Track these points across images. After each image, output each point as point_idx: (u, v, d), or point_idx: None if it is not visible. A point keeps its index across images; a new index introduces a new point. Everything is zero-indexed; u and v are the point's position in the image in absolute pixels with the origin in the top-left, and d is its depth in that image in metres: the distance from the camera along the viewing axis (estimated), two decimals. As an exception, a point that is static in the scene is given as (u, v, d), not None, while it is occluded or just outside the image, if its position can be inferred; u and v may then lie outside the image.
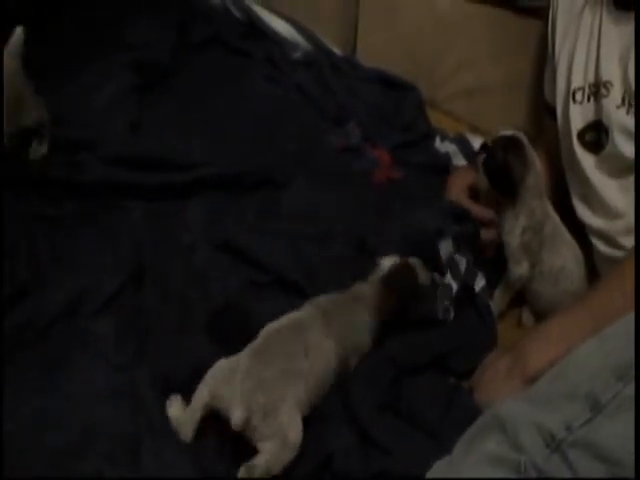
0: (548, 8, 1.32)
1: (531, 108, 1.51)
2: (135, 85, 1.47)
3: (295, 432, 0.91)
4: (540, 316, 1.24)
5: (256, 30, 1.64)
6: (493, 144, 1.21)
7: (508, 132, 1.22)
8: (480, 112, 1.55)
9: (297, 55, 1.61)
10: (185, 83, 1.54)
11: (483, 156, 1.22)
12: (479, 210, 1.24)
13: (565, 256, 1.23)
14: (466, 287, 1.16)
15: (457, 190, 1.29)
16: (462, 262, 1.19)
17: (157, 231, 1.23)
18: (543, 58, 1.37)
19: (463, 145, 1.47)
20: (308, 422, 0.94)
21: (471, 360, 1.09)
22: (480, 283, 1.20)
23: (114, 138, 1.35)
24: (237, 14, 1.67)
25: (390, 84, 1.56)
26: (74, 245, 1.18)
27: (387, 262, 1.07)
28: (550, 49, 1.31)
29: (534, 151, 1.22)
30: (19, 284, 1.09)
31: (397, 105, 1.52)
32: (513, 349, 1.05)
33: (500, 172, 1.19)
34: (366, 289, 1.06)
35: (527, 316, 1.26)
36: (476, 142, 1.39)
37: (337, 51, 1.62)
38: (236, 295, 1.11)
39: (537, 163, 1.22)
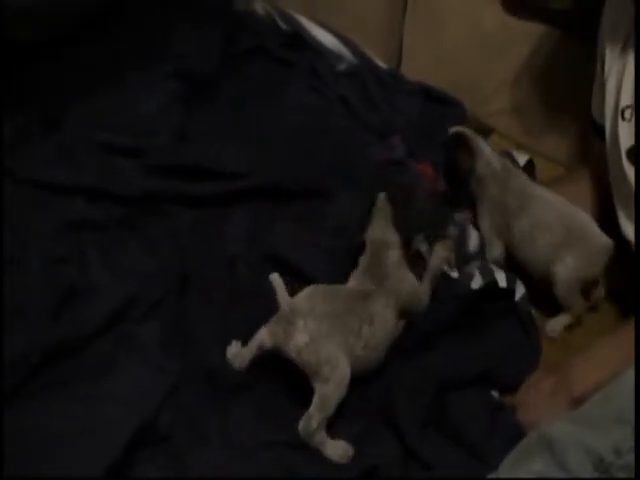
0: (597, 27, 1.31)
1: (576, 127, 1.50)
2: (181, 94, 1.49)
3: (343, 369, 0.98)
4: (544, 287, 1.22)
5: (301, 41, 1.65)
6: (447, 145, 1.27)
7: (452, 130, 1.28)
8: (525, 129, 1.55)
9: (341, 67, 1.61)
10: (230, 93, 1.55)
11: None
12: None
13: (534, 213, 1.23)
14: (508, 292, 1.16)
15: None
16: (500, 274, 1.19)
17: (202, 239, 1.25)
18: (589, 77, 1.36)
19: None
20: (351, 436, 0.94)
21: (515, 375, 1.09)
22: (520, 292, 1.19)
23: (160, 147, 1.37)
24: (283, 25, 1.68)
25: (434, 99, 1.56)
26: (120, 251, 1.20)
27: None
28: (599, 67, 1.30)
29: (482, 141, 1.26)
30: (67, 289, 1.11)
31: (441, 120, 1.52)
32: (558, 370, 1.04)
33: (452, 169, 1.26)
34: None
35: (551, 325, 1.23)
36: (521, 158, 1.39)
37: (382, 64, 1.63)
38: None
39: (486, 151, 1.25)
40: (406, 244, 1.12)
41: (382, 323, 1.05)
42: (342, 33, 1.63)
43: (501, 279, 1.16)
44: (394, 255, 1.11)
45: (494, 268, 1.18)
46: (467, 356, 1.09)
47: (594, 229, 1.23)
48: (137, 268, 1.18)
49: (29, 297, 1.09)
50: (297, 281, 1.11)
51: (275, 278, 1.02)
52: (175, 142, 1.40)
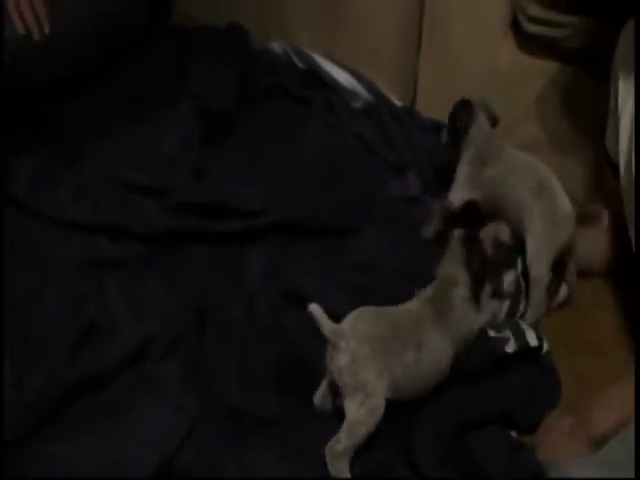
0: (609, 63, 1.32)
1: (590, 163, 1.51)
2: (199, 133, 1.51)
3: (378, 399, 0.98)
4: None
5: (317, 79, 1.67)
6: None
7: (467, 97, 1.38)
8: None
9: (357, 105, 1.63)
10: (248, 131, 1.58)
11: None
12: None
13: (510, 162, 1.32)
14: (537, 348, 1.16)
15: None
16: (531, 333, 1.18)
17: (220, 277, 1.27)
18: (602, 113, 1.37)
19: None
20: (369, 468, 0.94)
21: (535, 416, 1.09)
22: (546, 346, 1.18)
23: (179, 185, 1.40)
24: (299, 64, 1.70)
25: (450, 135, 1.57)
26: (140, 289, 1.22)
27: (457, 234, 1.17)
28: (612, 104, 1.31)
29: (482, 113, 1.37)
30: (87, 326, 1.12)
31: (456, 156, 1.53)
32: (577, 410, 1.04)
33: (451, 122, 1.39)
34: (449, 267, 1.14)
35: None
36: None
37: (397, 101, 1.65)
38: (298, 343, 1.13)
39: (483, 122, 1.36)
40: (477, 284, 1.14)
41: (432, 354, 1.05)
42: (357, 71, 1.66)
43: (532, 339, 1.16)
44: (461, 291, 1.12)
45: (524, 327, 1.18)
46: (488, 397, 1.09)
47: (562, 195, 1.28)
48: (156, 306, 1.19)
49: (49, 333, 1.10)
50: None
51: (315, 308, 1.01)
52: (194, 180, 1.43)
